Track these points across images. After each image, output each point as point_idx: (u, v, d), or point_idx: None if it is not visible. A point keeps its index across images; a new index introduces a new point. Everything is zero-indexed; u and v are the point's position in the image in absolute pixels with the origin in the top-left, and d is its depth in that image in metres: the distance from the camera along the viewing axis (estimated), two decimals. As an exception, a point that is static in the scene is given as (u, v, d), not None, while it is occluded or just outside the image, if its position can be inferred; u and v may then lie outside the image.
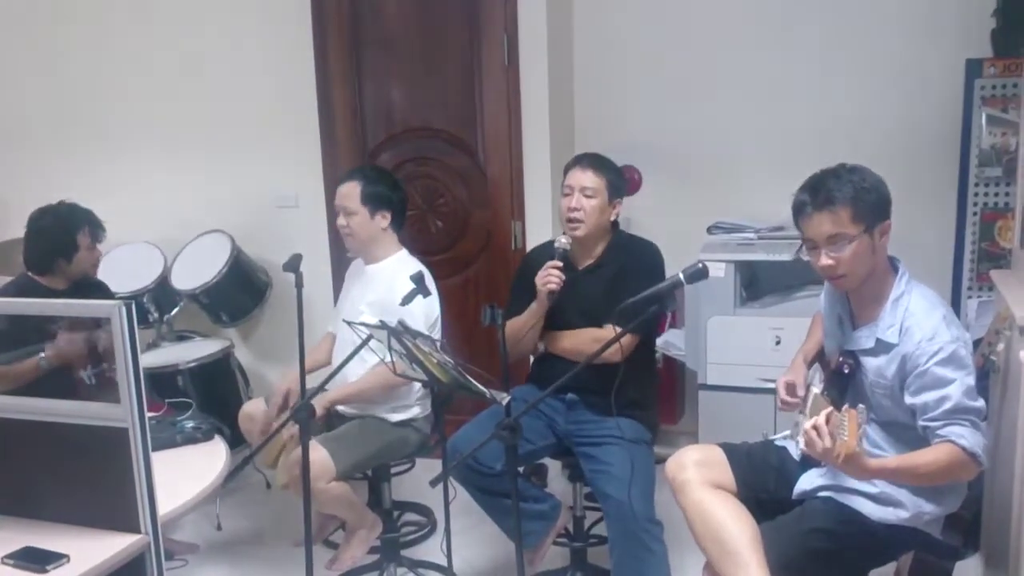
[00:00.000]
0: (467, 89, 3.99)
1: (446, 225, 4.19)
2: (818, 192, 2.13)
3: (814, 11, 3.80)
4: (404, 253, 3.15)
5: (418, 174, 4.16)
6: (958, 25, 3.58)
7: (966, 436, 2.04)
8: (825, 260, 2.14)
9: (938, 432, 2.06)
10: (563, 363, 2.78)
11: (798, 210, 2.18)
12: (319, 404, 2.80)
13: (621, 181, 2.92)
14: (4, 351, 2.58)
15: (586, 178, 2.83)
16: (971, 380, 2.08)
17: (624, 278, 2.75)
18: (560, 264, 2.79)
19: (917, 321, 2.12)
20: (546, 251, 2.91)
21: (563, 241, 2.84)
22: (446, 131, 4.09)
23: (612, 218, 2.89)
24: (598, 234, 2.88)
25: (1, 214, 4.52)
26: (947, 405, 2.05)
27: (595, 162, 2.88)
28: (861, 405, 1.98)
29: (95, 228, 3.23)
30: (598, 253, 2.90)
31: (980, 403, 2.08)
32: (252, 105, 4.29)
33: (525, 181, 3.96)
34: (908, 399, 2.12)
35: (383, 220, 3.07)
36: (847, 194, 2.10)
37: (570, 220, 2.83)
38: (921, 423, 2.10)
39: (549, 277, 2.78)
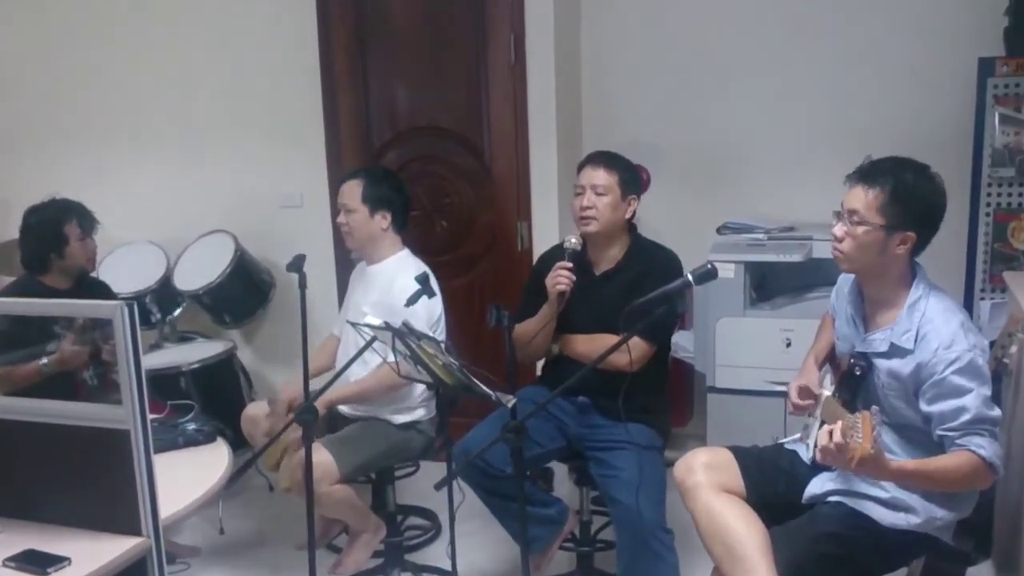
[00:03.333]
0: (473, 88, 3.97)
1: (451, 225, 4.17)
2: (872, 168, 2.15)
3: (824, 10, 3.78)
4: (406, 253, 3.13)
5: (424, 174, 4.15)
6: (970, 24, 3.55)
7: (984, 446, 2.02)
8: (838, 229, 2.17)
9: (956, 442, 2.04)
10: (575, 366, 2.75)
11: (848, 175, 2.20)
12: (320, 403, 2.78)
13: (634, 178, 2.89)
14: (6, 352, 2.57)
15: (597, 176, 2.81)
16: (987, 390, 2.06)
17: (642, 285, 2.70)
18: (570, 265, 2.77)
19: (935, 327, 2.10)
20: (558, 253, 2.89)
21: (573, 241, 2.83)
22: (452, 131, 4.07)
23: (627, 216, 2.86)
24: (613, 232, 2.85)
25: (2, 215, 4.51)
26: (965, 417, 2.03)
27: (606, 159, 2.86)
28: (875, 407, 1.96)
29: (84, 219, 3.21)
30: (616, 257, 2.88)
31: (997, 412, 2.07)
32: (256, 104, 4.29)
33: (531, 181, 3.94)
34: (923, 407, 2.10)
35: (383, 220, 3.06)
36: (887, 185, 2.10)
37: (583, 218, 2.81)
38: (938, 432, 2.08)
39: (559, 278, 2.76)
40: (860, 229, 2.12)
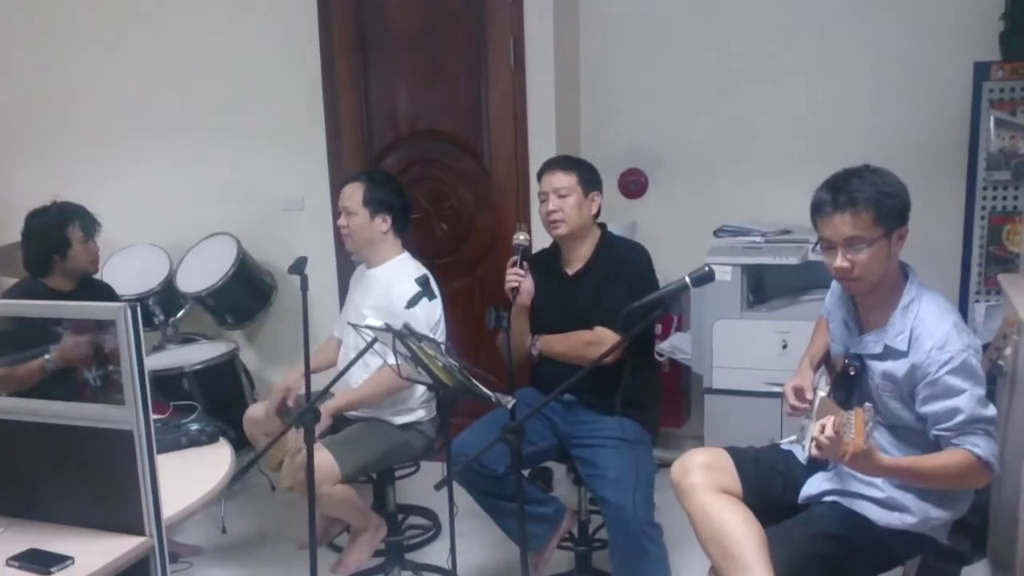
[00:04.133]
0: (473, 92, 4.00)
1: (451, 228, 4.19)
2: (840, 191, 2.08)
3: (821, 15, 3.79)
4: (406, 256, 3.15)
5: (424, 177, 4.17)
6: (966, 28, 3.56)
7: (980, 445, 2.02)
8: (841, 262, 2.10)
9: (952, 441, 2.05)
10: (560, 365, 2.81)
11: (817, 208, 2.13)
12: (325, 412, 2.80)
13: (592, 175, 2.94)
14: (9, 353, 2.59)
15: (556, 179, 2.87)
16: (981, 390, 2.06)
17: (612, 281, 2.78)
18: (515, 261, 2.84)
19: (927, 329, 2.10)
20: (538, 256, 2.96)
21: (520, 238, 2.89)
22: (452, 134, 4.09)
23: (593, 213, 2.91)
24: (583, 232, 2.90)
25: (4, 217, 4.53)
26: (960, 418, 2.03)
27: (563, 162, 2.94)
28: (868, 404, 1.97)
29: (86, 222, 3.23)
30: (586, 256, 2.92)
31: (992, 411, 2.07)
32: (258, 107, 4.31)
33: (531, 184, 3.95)
34: (918, 408, 2.11)
35: (383, 224, 3.08)
36: (869, 196, 2.06)
37: (551, 222, 2.87)
38: (934, 432, 2.09)
39: (509, 280, 2.84)
40: (867, 253, 2.07)
